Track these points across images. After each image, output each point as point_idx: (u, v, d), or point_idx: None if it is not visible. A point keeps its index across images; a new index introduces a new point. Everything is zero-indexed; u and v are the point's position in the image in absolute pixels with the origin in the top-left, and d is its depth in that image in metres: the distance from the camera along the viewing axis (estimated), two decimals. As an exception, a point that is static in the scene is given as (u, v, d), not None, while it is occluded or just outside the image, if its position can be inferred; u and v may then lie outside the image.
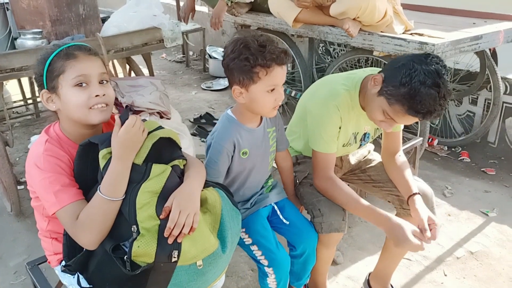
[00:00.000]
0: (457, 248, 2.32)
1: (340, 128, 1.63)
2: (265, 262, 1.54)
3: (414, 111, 1.40)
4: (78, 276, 1.22)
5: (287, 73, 4.73)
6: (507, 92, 3.13)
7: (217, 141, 1.50)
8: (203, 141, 3.47)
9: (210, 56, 5.42)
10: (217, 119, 4.03)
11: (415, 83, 1.37)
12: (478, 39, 2.45)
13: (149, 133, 1.22)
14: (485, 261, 2.23)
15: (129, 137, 1.15)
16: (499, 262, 2.22)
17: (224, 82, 5.03)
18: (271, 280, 1.56)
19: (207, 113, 4.06)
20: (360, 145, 1.80)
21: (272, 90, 1.40)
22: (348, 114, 1.63)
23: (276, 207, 1.68)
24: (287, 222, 1.65)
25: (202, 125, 3.86)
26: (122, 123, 1.16)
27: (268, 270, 1.55)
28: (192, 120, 4.01)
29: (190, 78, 5.44)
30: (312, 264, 1.70)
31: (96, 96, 1.22)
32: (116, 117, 1.20)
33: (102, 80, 1.25)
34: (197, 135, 3.64)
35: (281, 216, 1.66)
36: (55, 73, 1.21)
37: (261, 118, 1.59)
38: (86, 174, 1.21)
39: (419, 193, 1.65)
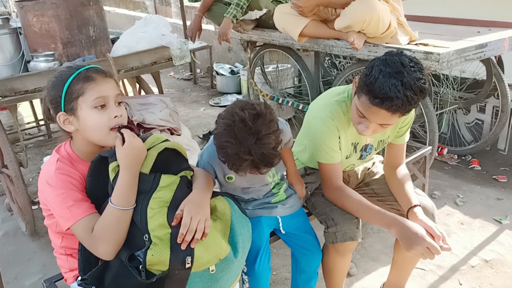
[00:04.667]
0: (471, 256, 2.30)
1: (340, 138, 1.64)
2: (244, 269, 1.56)
3: (373, 97, 1.38)
4: (95, 290, 1.24)
5: (293, 86, 4.74)
6: (515, 99, 3.13)
7: (200, 161, 1.57)
8: (213, 157, 3.49)
9: (217, 73, 5.48)
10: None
11: (375, 71, 1.38)
12: (483, 47, 2.47)
13: (155, 145, 1.27)
14: (500, 269, 2.21)
15: (133, 147, 1.21)
16: (515, 270, 2.20)
17: (232, 98, 5.08)
18: None
19: (216, 129, 4.10)
20: (361, 155, 1.80)
21: None
22: (344, 124, 1.64)
23: (280, 220, 1.65)
24: (283, 232, 1.64)
25: (211, 140, 3.88)
26: (122, 137, 1.23)
27: (245, 277, 1.56)
28: (201, 136, 4.05)
29: (198, 95, 5.51)
30: (315, 281, 1.72)
31: (115, 117, 1.27)
32: (118, 133, 1.26)
33: (117, 102, 1.30)
34: (207, 151, 3.66)
35: (282, 230, 1.64)
36: (74, 95, 1.25)
37: None
38: (97, 190, 1.25)
39: (419, 205, 1.62)
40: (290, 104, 3.48)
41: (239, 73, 5.30)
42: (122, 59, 2.56)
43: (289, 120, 4.05)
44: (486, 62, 3.02)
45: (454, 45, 2.44)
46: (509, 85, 3.07)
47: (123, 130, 1.25)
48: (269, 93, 3.82)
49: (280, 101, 3.61)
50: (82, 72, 1.26)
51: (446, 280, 2.16)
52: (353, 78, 3.07)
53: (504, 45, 2.60)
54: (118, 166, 1.20)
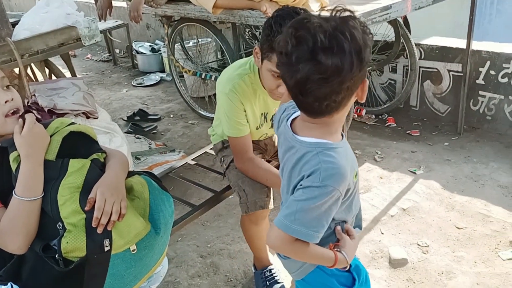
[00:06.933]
0: (390, 207, 2.48)
1: (245, 111, 1.67)
2: None
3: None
4: (11, 286, 1.19)
5: (216, 60, 4.65)
6: (422, 57, 3.34)
7: (327, 184, 0.98)
8: (138, 138, 3.41)
9: (138, 52, 5.30)
10: (152, 115, 3.97)
11: (276, 27, 1.38)
12: (387, 9, 2.58)
13: (59, 130, 1.21)
14: (416, 215, 2.40)
15: (33, 134, 1.15)
16: (429, 215, 2.40)
17: (155, 77, 4.94)
18: None
19: (140, 109, 3.99)
20: (272, 124, 1.83)
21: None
22: (249, 96, 1.66)
23: None
24: None
25: (137, 122, 3.79)
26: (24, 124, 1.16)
27: None
28: (125, 118, 3.92)
29: (119, 76, 5.30)
30: None
31: (6, 102, 1.19)
32: (20, 119, 1.18)
33: (4, 86, 1.22)
34: (132, 132, 3.57)
35: None
36: None
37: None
38: (1, 183, 1.17)
39: None
40: (213, 78, 3.46)
41: (160, 50, 5.16)
42: (25, 43, 2.37)
43: (214, 95, 4.03)
44: (394, 23, 3.18)
45: (361, 8, 2.53)
46: (416, 44, 3.27)
47: (26, 116, 1.18)
48: (192, 69, 3.76)
49: (203, 76, 3.57)
50: None
51: (369, 231, 2.31)
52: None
53: (407, 6, 2.74)
54: (19, 155, 1.13)
